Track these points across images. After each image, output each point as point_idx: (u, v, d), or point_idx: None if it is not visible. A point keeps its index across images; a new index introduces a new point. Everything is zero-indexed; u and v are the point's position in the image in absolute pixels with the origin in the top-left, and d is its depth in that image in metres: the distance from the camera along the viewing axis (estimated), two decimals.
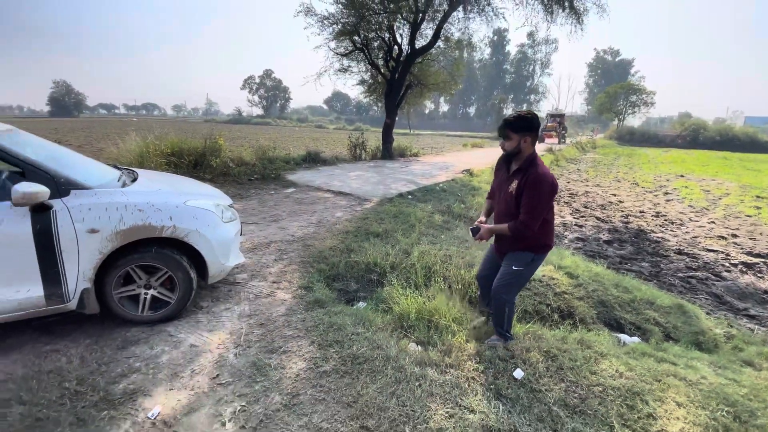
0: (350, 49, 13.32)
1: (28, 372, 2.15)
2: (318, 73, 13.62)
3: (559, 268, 4.06)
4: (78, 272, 2.33)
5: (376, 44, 13.49)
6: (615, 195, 10.57)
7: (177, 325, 2.73)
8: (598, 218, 7.80)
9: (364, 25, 12.51)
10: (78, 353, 2.35)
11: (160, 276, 2.66)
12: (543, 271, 3.95)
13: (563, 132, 31.27)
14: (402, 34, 13.46)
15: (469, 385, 2.28)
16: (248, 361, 2.39)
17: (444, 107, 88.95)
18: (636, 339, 3.19)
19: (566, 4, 10.77)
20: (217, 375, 2.26)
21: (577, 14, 11.04)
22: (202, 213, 2.77)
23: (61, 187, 2.29)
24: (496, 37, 71.96)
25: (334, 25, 12.43)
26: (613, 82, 64.07)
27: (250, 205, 6.27)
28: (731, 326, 3.68)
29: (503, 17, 12.05)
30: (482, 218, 2.68)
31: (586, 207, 8.82)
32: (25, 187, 2.07)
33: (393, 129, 13.67)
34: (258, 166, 8.63)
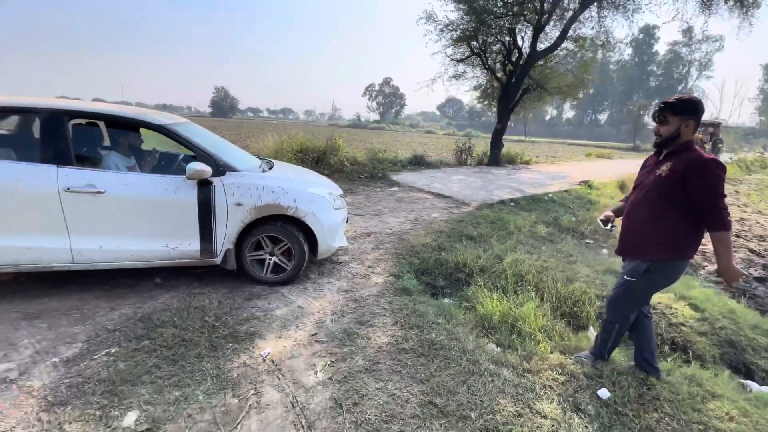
0: (467, 54, 13.31)
1: (181, 305, 2.86)
2: (432, 79, 13.97)
3: (681, 298, 3.53)
4: (225, 235, 3.00)
5: (494, 48, 13.22)
6: None
7: (290, 289, 3.27)
8: (751, 251, 6.35)
9: (483, 29, 12.41)
10: (217, 298, 3.02)
11: (281, 247, 3.23)
12: (660, 298, 3.49)
13: (719, 145, 25.04)
14: (523, 37, 12.95)
15: (544, 393, 2.23)
16: (341, 327, 2.75)
17: (569, 113, 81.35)
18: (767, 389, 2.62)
19: None
20: (315, 333, 2.67)
21: (742, 4, 9.08)
22: (318, 198, 3.27)
23: (220, 168, 2.97)
24: (641, 35, 62.61)
25: (453, 32, 12.59)
26: None
27: (357, 199, 6.89)
28: None
29: (648, 11, 10.62)
30: (609, 213, 2.48)
31: (738, 236, 7.24)
32: (196, 166, 2.78)
33: (503, 134, 13.18)
34: (368, 166, 9.33)
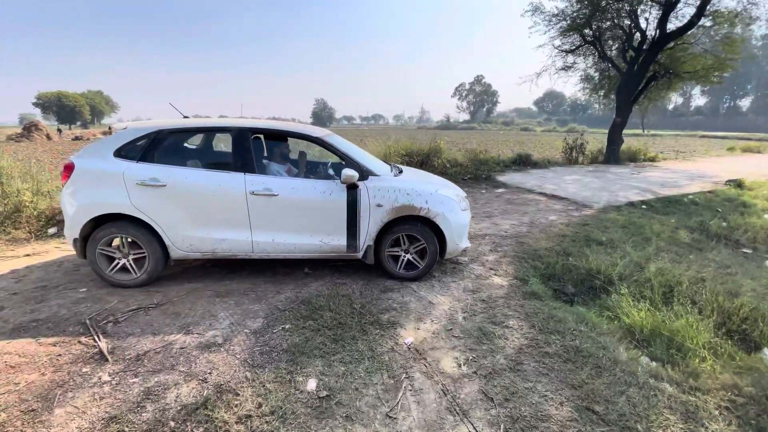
0: (577, 44, 12.30)
1: (331, 293, 3.22)
2: (537, 73, 13.21)
3: None
4: (366, 233, 3.33)
5: (609, 34, 11.97)
6: None
7: (418, 285, 3.45)
8: None
9: (598, 15, 11.35)
10: (357, 288, 3.33)
11: (417, 246, 3.46)
12: None
13: None
14: (647, 18, 11.47)
15: (720, 413, 2.00)
16: (475, 325, 2.82)
17: (699, 100, 69.22)
18: None
19: None
20: (451, 329, 2.78)
21: None
22: (447, 200, 3.44)
23: (364, 173, 3.33)
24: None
25: (563, 21, 11.76)
26: None
27: None
28: None
29: None
30: None
31: None
32: (348, 172, 3.17)
33: (623, 129, 11.83)
34: (470, 167, 9.24)
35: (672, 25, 10.76)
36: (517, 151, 12.14)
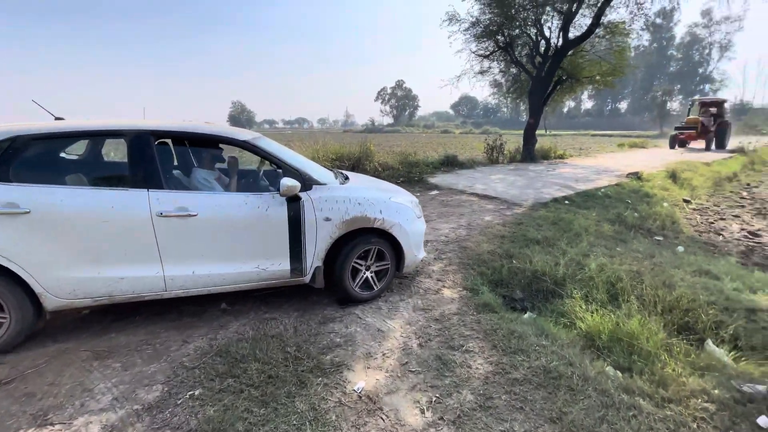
0: (491, 49, 12.93)
1: (257, 334, 2.61)
2: (457, 76, 13.64)
3: None
4: (314, 252, 2.81)
5: (519, 41, 12.80)
6: None
7: (363, 309, 2.99)
8: None
9: (508, 23, 12.04)
10: (291, 323, 2.76)
11: (381, 264, 3.08)
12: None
13: (723, 128, 18.09)
14: (551, 27, 12.50)
15: (698, 426, 1.87)
16: (432, 353, 2.45)
17: (587, 104, 79.21)
18: None
19: None
20: (406, 362, 2.37)
21: None
22: (403, 208, 3.11)
23: (306, 182, 2.78)
24: (659, 19, 60.32)
25: (477, 28, 12.25)
26: None
27: None
28: None
29: None
30: None
31: None
32: (289, 182, 2.58)
33: (536, 129, 12.70)
34: (401, 170, 9.05)
35: (572, 34, 11.81)
36: (443, 153, 12.35)
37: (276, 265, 2.74)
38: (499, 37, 12.60)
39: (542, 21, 12.39)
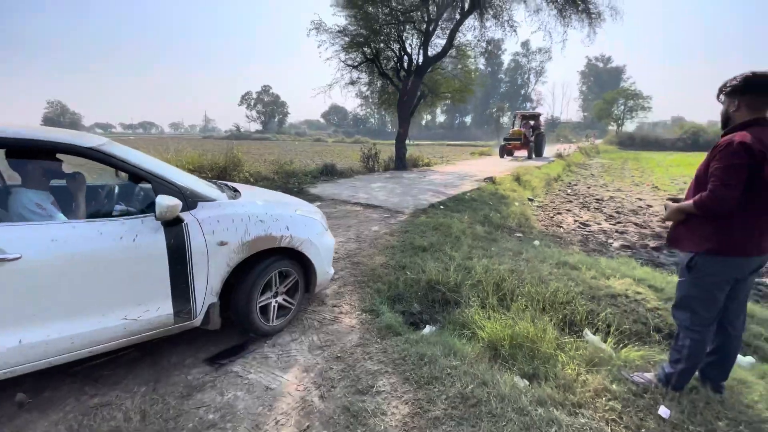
0: (360, 60, 13.16)
1: None
2: (329, 85, 13.45)
3: (638, 281, 3.69)
4: (207, 287, 2.22)
5: (385, 55, 13.36)
6: (641, 199, 10.28)
7: (243, 363, 2.35)
8: (636, 224, 7.49)
9: (374, 37, 12.41)
10: (136, 406, 1.95)
11: (287, 283, 2.72)
12: (623, 284, 3.59)
13: (540, 139, 20.77)
14: (412, 45, 13.40)
15: (610, 428, 1.90)
16: (338, 405, 2.01)
17: (440, 117, 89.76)
18: (750, 359, 2.81)
19: (581, 7, 10.67)
20: (308, 426, 1.88)
21: (590, 15, 10.95)
22: (311, 222, 2.80)
23: (188, 200, 2.17)
24: (491, 47, 72.82)
25: (345, 38, 12.30)
26: (605, 89, 65.39)
27: None
28: None
29: (511, 24, 11.88)
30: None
31: (618, 212, 8.51)
32: (167, 201, 1.95)
33: (406, 138, 13.41)
34: (278, 181, 8.31)
35: (431, 52, 12.88)
36: (320, 162, 11.98)
37: (152, 312, 2.06)
38: (366, 49, 12.91)
39: (404, 38, 13.20)
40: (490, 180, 10.22)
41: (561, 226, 7.18)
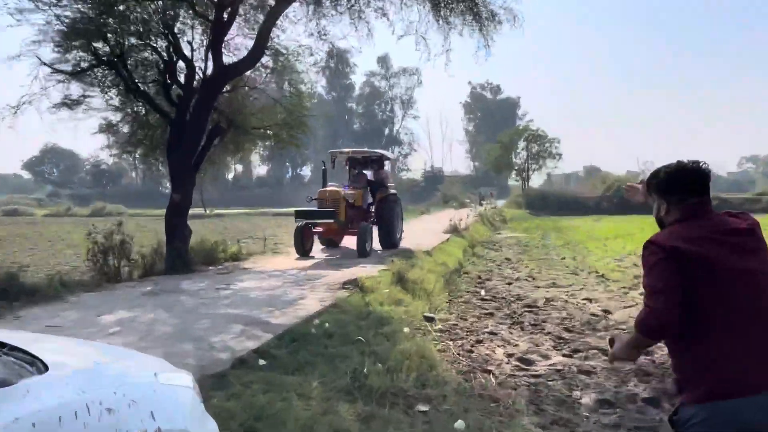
0: (90, 62, 12.18)
1: None
2: (16, 106, 11.81)
3: None
4: None
5: (143, 58, 12.96)
6: (590, 300, 11.12)
7: None
8: (601, 350, 7.67)
9: (116, 23, 11.61)
10: None
11: None
12: None
13: (389, 208, 17.19)
14: (193, 42, 13.28)
15: None
16: None
17: (260, 169, 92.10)
18: None
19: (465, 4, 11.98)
20: None
21: (479, 19, 12.39)
22: (184, 395, 2.76)
23: None
24: (333, 62, 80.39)
25: (56, 20, 11.24)
26: (498, 129, 78.12)
27: None
28: None
29: (361, 16, 12.72)
30: None
31: (569, 330, 8.82)
32: None
33: (188, 211, 12.36)
34: None
35: (231, 58, 12.83)
36: None
37: None
38: (100, 45, 12.00)
39: (176, 31, 12.75)
40: (354, 285, 9.76)
41: (489, 370, 6.88)
